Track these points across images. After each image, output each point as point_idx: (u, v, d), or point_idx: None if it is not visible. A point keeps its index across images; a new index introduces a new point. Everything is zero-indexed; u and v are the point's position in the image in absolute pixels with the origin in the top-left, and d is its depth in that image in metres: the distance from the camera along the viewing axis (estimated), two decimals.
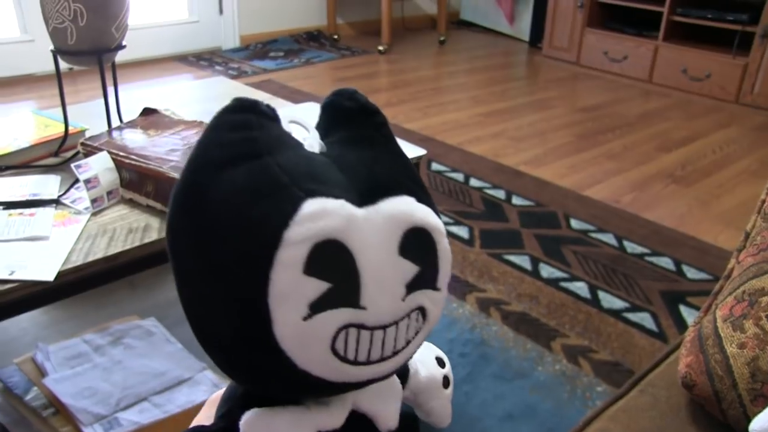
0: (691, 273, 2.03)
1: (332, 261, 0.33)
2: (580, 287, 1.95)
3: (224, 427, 0.40)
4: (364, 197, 0.35)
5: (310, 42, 4.79)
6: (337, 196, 0.34)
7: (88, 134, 1.33)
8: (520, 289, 1.93)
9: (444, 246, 0.37)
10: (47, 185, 1.20)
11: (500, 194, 2.54)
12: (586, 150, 3.01)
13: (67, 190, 1.18)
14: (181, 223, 0.36)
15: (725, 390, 0.76)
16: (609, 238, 2.23)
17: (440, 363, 0.52)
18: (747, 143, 3.15)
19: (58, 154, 1.33)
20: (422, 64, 4.45)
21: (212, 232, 0.34)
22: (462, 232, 2.24)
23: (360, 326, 0.34)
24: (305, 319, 0.32)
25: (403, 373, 0.48)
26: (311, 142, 0.39)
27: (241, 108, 0.37)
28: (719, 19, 3.66)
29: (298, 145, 0.38)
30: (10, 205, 1.12)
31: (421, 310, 0.36)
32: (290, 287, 0.32)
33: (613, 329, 1.76)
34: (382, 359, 0.36)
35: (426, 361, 0.51)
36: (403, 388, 0.47)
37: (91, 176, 1.11)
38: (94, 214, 1.11)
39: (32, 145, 1.30)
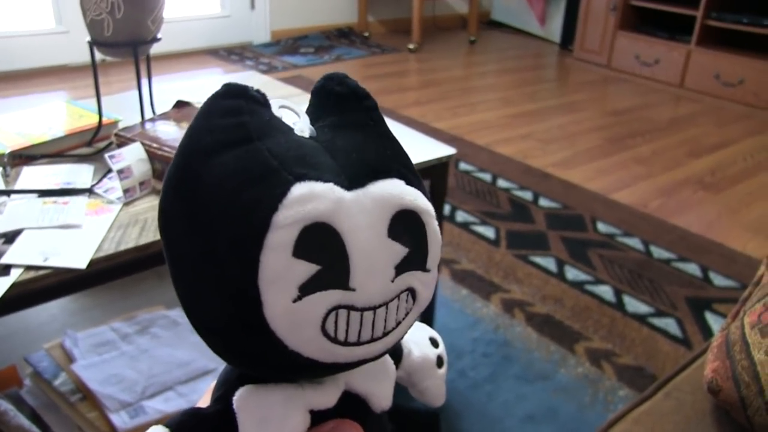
0: (717, 280, 2.02)
1: (321, 244, 0.33)
2: (605, 291, 1.94)
3: (220, 410, 0.40)
4: (353, 181, 0.35)
5: (341, 39, 4.81)
6: (326, 180, 0.34)
7: (121, 125, 1.35)
8: (544, 290, 1.93)
9: (433, 228, 0.37)
10: (80, 174, 1.22)
11: (527, 196, 2.53)
12: (615, 154, 3.00)
13: (100, 180, 1.19)
14: (174, 208, 0.37)
15: (751, 397, 0.75)
16: (635, 243, 2.22)
17: (434, 343, 0.52)
18: None
19: (92, 144, 1.34)
20: (452, 63, 4.45)
21: (203, 216, 0.35)
22: (488, 232, 2.24)
23: (350, 307, 0.34)
24: (295, 301, 0.33)
25: (397, 353, 0.49)
26: (301, 126, 0.39)
27: (231, 93, 0.37)
28: (755, 24, 3.62)
29: (289, 130, 0.38)
30: (44, 193, 1.14)
31: (411, 292, 0.37)
32: (280, 270, 0.32)
33: (637, 334, 1.75)
34: (373, 340, 0.36)
35: (419, 341, 0.51)
36: (397, 368, 0.47)
37: (124, 166, 1.12)
38: (126, 204, 1.13)
39: (66, 134, 1.31)
